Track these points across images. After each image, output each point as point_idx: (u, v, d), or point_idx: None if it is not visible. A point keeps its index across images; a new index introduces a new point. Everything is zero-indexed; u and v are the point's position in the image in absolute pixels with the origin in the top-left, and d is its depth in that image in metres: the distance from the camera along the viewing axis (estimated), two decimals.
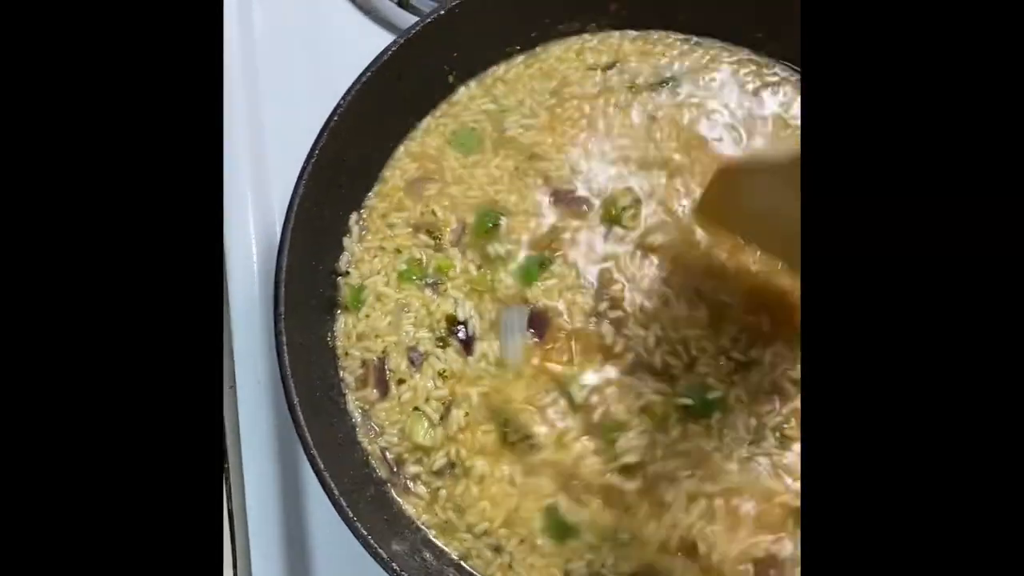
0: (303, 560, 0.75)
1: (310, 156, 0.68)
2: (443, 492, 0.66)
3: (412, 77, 0.74)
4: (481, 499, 0.66)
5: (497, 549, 0.65)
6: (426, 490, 0.67)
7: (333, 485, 0.60)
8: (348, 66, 0.71)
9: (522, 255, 0.72)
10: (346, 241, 0.73)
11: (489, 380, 0.69)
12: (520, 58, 0.79)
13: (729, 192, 0.66)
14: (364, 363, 0.70)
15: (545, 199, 0.74)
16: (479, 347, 0.69)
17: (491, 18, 0.76)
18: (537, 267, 0.71)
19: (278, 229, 0.66)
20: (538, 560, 0.65)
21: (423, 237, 0.73)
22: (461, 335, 0.70)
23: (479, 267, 0.72)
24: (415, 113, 0.77)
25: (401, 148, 0.76)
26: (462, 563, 0.65)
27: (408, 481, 0.67)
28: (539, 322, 0.70)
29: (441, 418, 0.68)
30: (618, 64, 0.78)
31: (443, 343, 0.70)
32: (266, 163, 0.85)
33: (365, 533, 0.59)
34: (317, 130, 0.69)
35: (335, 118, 0.69)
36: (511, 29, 0.78)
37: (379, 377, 0.69)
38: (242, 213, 0.81)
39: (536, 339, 0.69)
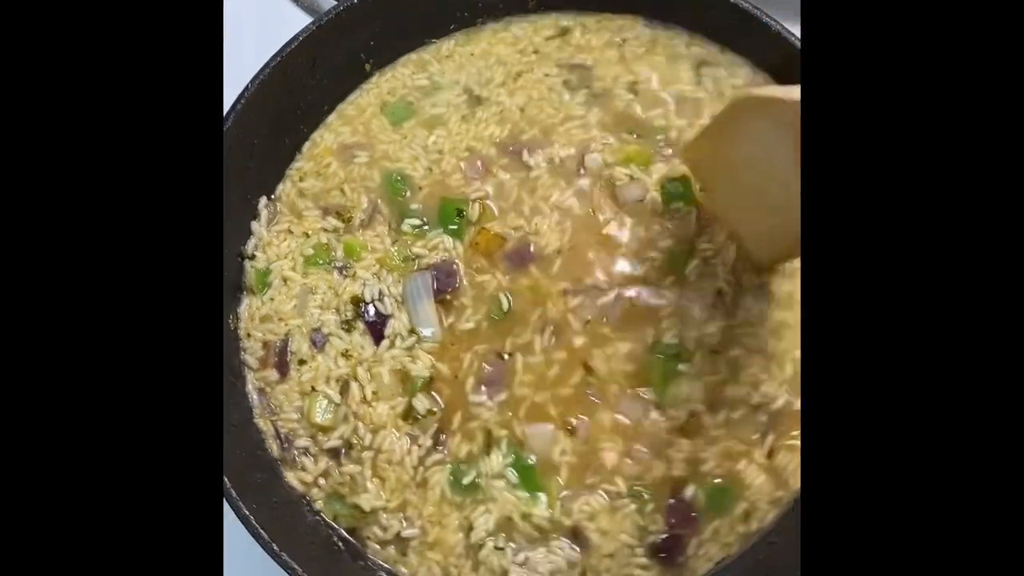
0: None
1: None
2: (332, 467, 0.66)
3: (327, 63, 0.75)
4: (373, 479, 0.66)
5: (383, 527, 0.65)
6: (313, 464, 0.66)
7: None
8: (269, 50, 0.71)
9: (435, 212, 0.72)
10: (254, 225, 0.73)
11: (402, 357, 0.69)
12: (444, 43, 0.80)
13: (729, 135, 0.61)
14: (266, 344, 0.69)
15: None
16: (391, 326, 0.69)
17: (409, 8, 0.77)
18: (455, 214, 0.72)
19: None
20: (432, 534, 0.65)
21: (332, 220, 0.73)
22: (368, 316, 0.70)
23: (393, 242, 0.72)
24: (329, 100, 0.77)
25: (333, 115, 0.77)
26: (350, 538, 0.65)
27: (297, 456, 0.67)
28: (445, 277, 0.70)
29: (341, 393, 0.68)
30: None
31: (348, 326, 0.70)
32: None
33: (248, 513, 0.59)
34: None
35: (240, 103, 0.69)
36: (429, 19, 0.79)
37: (280, 359, 0.69)
38: None
39: (445, 296, 0.69)
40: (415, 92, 0.78)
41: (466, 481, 0.65)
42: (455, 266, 0.71)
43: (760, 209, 0.62)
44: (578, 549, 0.64)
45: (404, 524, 0.65)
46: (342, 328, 0.70)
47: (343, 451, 0.67)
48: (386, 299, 0.71)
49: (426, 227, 0.72)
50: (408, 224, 0.72)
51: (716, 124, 0.63)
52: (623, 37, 0.79)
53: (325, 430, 0.67)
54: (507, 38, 0.80)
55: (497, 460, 0.66)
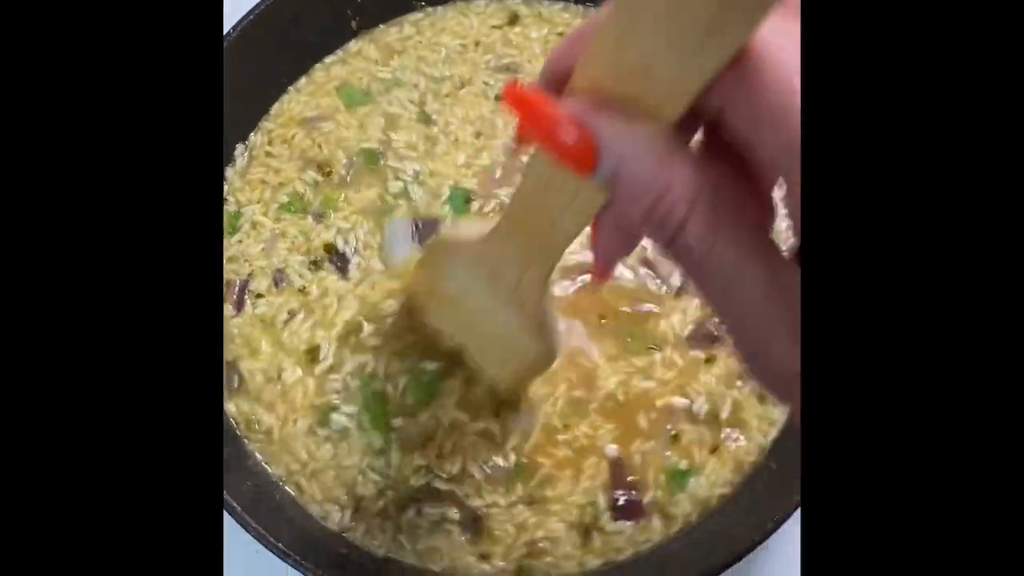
0: None
1: None
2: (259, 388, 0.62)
3: (310, 18, 0.74)
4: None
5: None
6: (250, 387, 0.62)
7: None
8: None
9: (445, 190, 0.68)
10: (228, 171, 0.71)
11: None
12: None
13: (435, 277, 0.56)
14: (227, 283, 0.66)
15: None
16: (354, 263, 0.66)
17: None
18: (463, 202, 0.68)
19: None
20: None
21: (311, 173, 0.70)
22: (337, 263, 0.66)
23: (379, 195, 0.69)
24: (312, 56, 0.76)
25: (302, 80, 0.75)
26: (267, 467, 0.59)
27: (236, 381, 0.62)
28: (425, 227, 0.67)
29: (283, 326, 0.64)
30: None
31: (316, 266, 0.66)
32: None
33: None
34: None
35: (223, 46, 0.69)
36: None
37: (239, 296, 0.65)
38: None
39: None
40: (376, 82, 0.75)
41: None
42: (440, 222, 0.67)
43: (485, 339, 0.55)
44: None
45: None
46: (309, 269, 0.66)
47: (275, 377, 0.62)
48: (359, 243, 0.67)
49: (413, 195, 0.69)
50: (395, 185, 0.69)
51: (420, 268, 0.59)
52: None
53: (261, 356, 0.63)
54: (462, 24, 0.77)
55: None
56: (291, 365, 0.63)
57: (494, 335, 0.52)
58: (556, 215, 0.38)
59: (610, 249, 0.36)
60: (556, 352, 0.53)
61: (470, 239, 0.49)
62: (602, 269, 0.39)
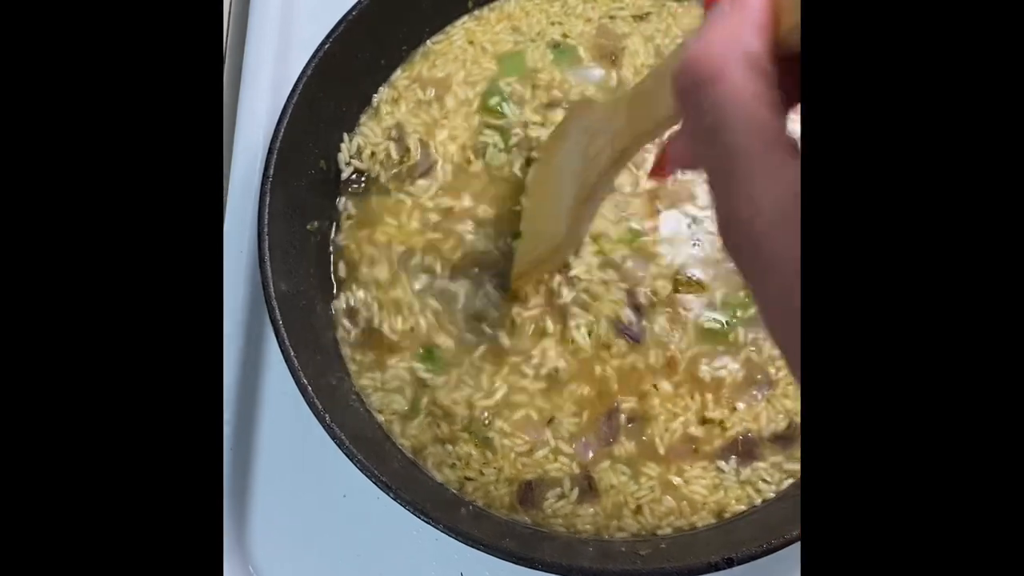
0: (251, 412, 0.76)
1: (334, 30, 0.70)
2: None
3: None
4: None
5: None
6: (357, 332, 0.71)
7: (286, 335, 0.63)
8: None
9: None
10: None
11: None
12: None
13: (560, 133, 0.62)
14: None
15: None
16: None
17: None
18: None
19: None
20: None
21: None
22: None
23: None
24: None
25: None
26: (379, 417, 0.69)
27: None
28: None
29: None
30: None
31: None
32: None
33: (306, 383, 0.62)
34: None
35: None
36: None
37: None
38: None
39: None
40: None
41: None
42: None
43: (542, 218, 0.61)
44: None
45: None
46: None
47: None
48: None
49: None
50: None
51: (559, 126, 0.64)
52: None
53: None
54: None
55: None
56: None
57: (549, 204, 0.58)
58: (662, 101, 0.42)
59: (678, 152, 0.43)
60: (577, 246, 0.62)
61: (605, 102, 0.58)
62: (663, 167, 0.47)
